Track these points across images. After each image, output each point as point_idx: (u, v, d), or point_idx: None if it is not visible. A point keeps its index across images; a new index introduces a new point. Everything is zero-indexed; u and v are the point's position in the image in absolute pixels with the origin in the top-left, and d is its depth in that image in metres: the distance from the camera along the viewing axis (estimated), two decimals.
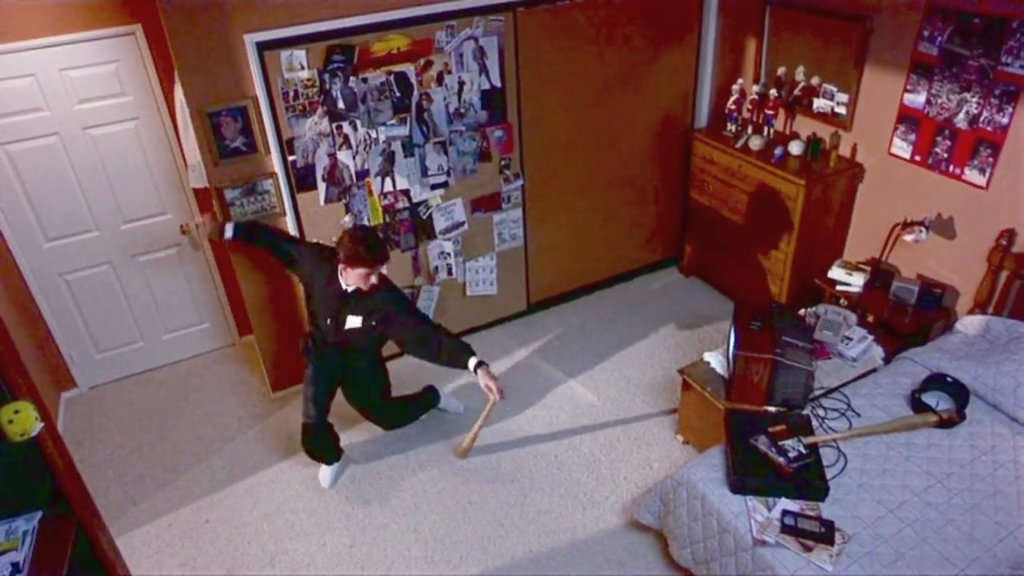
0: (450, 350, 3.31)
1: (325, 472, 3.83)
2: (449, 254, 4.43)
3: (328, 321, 3.40)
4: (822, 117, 4.30)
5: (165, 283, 4.49)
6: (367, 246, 3.12)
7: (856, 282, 4.06)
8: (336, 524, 3.61)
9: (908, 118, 3.85)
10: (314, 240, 3.83)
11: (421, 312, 3.51)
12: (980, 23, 3.39)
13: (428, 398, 4.10)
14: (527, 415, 4.17)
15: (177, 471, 3.97)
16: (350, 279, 3.24)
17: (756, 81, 4.61)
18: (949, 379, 3.28)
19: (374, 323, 3.34)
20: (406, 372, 4.37)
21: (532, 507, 3.64)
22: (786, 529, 2.72)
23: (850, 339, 3.69)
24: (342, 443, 3.91)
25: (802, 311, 3.88)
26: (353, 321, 3.35)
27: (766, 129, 4.48)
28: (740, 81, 4.60)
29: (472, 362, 3.25)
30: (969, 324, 3.61)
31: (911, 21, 3.69)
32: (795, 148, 4.25)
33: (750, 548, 2.74)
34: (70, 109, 3.83)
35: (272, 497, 3.78)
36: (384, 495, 3.75)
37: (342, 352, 3.54)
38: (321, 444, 3.72)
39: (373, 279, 3.21)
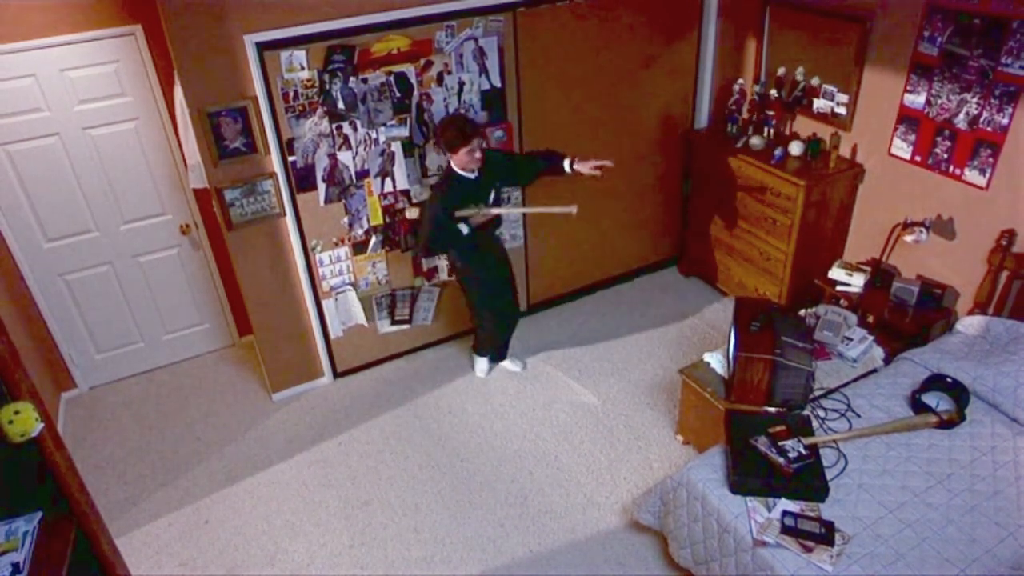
0: (547, 155, 3.95)
1: (483, 362, 4.47)
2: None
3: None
4: (822, 117, 4.30)
5: (165, 283, 4.49)
6: (460, 126, 3.56)
7: (856, 282, 4.06)
8: (336, 524, 3.61)
9: (908, 118, 3.85)
10: (433, 190, 3.90)
11: None
12: (980, 23, 3.39)
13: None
14: (528, 415, 4.18)
15: (177, 471, 3.97)
16: (467, 164, 3.63)
17: (756, 81, 4.61)
18: (949, 380, 3.28)
19: (499, 183, 3.90)
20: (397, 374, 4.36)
21: (532, 507, 3.64)
22: (786, 530, 2.72)
23: (850, 339, 3.69)
24: (339, 440, 3.89)
25: (802, 311, 3.88)
26: (492, 194, 3.82)
27: (766, 129, 4.48)
28: (740, 81, 4.60)
29: (567, 162, 3.85)
30: (969, 324, 3.60)
31: (911, 21, 3.69)
32: (795, 148, 4.25)
33: (750, 549, 2.74)
34: (70, 109, 3.83)
35: (272, 497, 3.78)
36: (384, 495, 3.75)
37: (496, 253, 4.09)
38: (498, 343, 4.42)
39: (478, 154, 3.60)
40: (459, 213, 3.66)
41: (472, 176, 3.69)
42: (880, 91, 3.96)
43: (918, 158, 3.87)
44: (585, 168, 3.81)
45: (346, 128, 3.82)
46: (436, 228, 3.69)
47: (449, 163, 3.70)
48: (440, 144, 3.69)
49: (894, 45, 3.81)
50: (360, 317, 4.35)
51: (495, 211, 3.80)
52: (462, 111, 4.05)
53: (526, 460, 3.90)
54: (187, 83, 3.39)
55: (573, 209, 3.65)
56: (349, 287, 4.25)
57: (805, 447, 2.96)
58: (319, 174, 3.87)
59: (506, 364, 4.53)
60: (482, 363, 4.49)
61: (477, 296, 4.13)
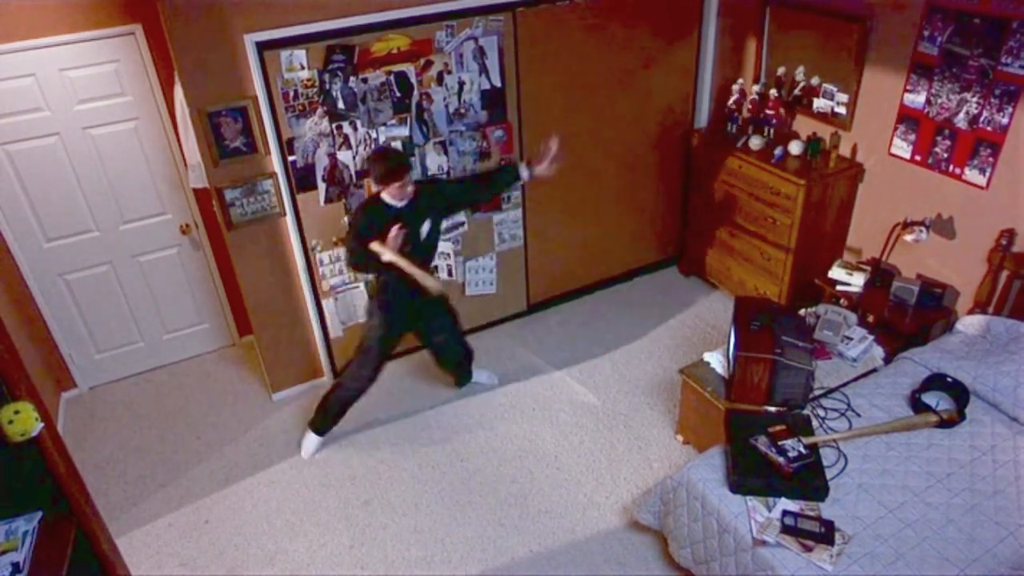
0: (498, 173, 3.77)
1: (313, 441, 3.98)
2: (449, 254, 4.43)
3: (409, 248, 3.44)
4: (822, 117, 4.30)
5: (165, 283, 4.49)
6: (390, 161, 3.33)
7: (856, 282, 4.06)
8: (336, 524, 3.61)
9: (908, 118, 3.85)
10: (355, 210, 3.71)
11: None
12: (980, 23, 3.39)
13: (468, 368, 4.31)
14: (527, 415, 4.18)
15: (177, 471, 3.97)
16: (395, 195, 3.37)
17: (756, 81, 4.61)
18: (949, 379, 3.28)
19: (435, 214, 3.57)
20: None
21: (532, 507, 3.64)
22: (786, 529, 2.72)
23: (850, 339, 3.69)
24: (339, 440, 3.91)
25: (802, 311, 3.88)
26: (425, 226, 3.51)
27: (766, 129, 4.48)
28: (740, 81, 4.60)
29: (523, 170, 3.64)
30: (969, 324, 3.61)
31: (911, 21, 3.69)
32: (795, 148, 4.25)
33: (750, 548, 2.74)
34: (70, 109, 3.83)
35: (272, 497, 3.78)
36: (384, 495, 3.75)
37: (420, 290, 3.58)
38: (344, 410, 3.93)
39: (409, 187, 3.37)
40: (374, 247, 3.35)
41: (399, 204, 3.39)
42: (880, 91, 3.96)
43: (918, 157, 3.87)
44: (542, 168, 3.60)
45: (346, 128, 3.82)
46: (352, 254, 3.48)
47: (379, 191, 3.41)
48: (370, 176, 3.48)
49: (894, 45, 3.81)
50: (361, 315, 4.35)
51: (386, 258, 3.36)
52: (462, 111, 4.05)
53: (526, 460, 3.90)
54: (187, 83, 3.39)
55: (437, 285, 3.52)
56: (354, 283, 4.25)
57: (805, 446, 2.97)
58: (319, 174, 3.88)
59: (480, 378, 4.37)
60: (311, 441, 3.97)
61: (373, 333, 3.71)
